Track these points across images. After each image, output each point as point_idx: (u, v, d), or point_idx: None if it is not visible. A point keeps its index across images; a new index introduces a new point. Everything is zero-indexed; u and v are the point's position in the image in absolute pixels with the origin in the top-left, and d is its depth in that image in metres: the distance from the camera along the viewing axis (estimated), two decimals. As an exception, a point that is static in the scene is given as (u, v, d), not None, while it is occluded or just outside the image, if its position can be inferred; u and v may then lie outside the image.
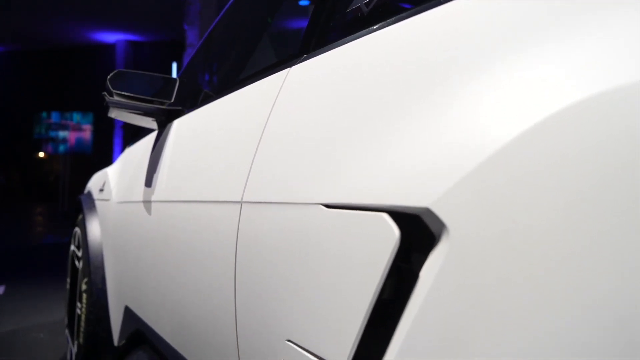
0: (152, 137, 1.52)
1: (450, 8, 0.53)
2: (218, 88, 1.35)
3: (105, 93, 1.27)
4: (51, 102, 14.71)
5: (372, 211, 0.50)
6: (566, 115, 0.37)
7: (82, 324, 1.82)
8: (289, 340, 0.62)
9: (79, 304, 1.91)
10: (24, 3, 11.13)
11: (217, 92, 1.16)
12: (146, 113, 1.33)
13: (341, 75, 0.66)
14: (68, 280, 2.26)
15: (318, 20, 0.81)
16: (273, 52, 1.24)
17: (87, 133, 14.60)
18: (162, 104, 1.32)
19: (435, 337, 0.42)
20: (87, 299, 1.80)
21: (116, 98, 1.27)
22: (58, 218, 10.75)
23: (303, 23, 0.87)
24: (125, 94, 1.28)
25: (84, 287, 1.84)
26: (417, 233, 0.48)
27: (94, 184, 2.18)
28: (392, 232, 0.47)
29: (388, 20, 0.62)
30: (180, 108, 1.32)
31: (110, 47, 13.75)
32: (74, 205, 2.23)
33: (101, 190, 1.97)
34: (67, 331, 2.23)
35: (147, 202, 1.30)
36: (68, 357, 2.13)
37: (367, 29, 0.65)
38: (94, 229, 1.89)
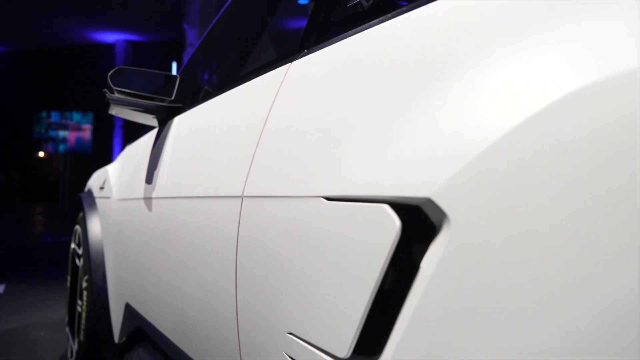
0: (152, 134, 1.52)
1: (449, 2, 0.54)
2: (218, 85, 1.35)
3: (106, 90, 1.27)
4: (51, 102, 14.70)
5: (373, 202, 0.50)
6: (564, 105, 0.37)
7: (83, 321, 1.82)
8: (290, 333, 0.62)
9: (79, 302, 1.91)
10: (24, 3, 11.13)
11: (218, 88, 1.16)
12: (147, 110, 1.34)
13: (342, 70, 0.66)
14: (68, 278, 2.26)
15: (318, 16, 0.81)
16: (273, 48, 1.24)
17: (87, 133, 14.60)
18: (162, 101, 1.32)
19: (436, 327, 0.42)
20: (88, 296, 1.80)
21: (117, 95, 1.27)
22: (58, 218, 10.74)
23: (303, 19, 0.88)
24: (126, 91, 1.28)
25: (84, 284, 1.84)
26: (418, 224, 0.48)
27: (94, 181, 2.18)
28: (393, 223, 0.47)
29: (388, 15, 0.62)
30: (180, 105, 1.32)
31: (110, 47, 13.74)
32: (74, 205, 2.23)
33: (101, 188, 1.97)
34: (67, 329, 2.23)
35: (147, 199, 1.30)
36: (69, 354, 2.13)
37: (367, 24, 0.65)
38: (95, 226, 1.89)
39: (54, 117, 14.90)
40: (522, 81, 0.41)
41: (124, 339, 1.62)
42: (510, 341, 0.37)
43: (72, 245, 2.17)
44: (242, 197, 0.79)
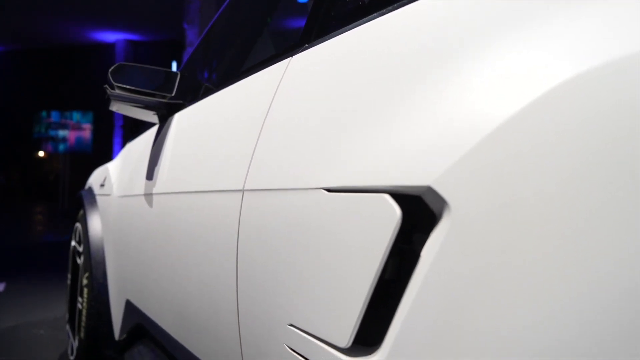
0: (153, 131, 1.52)
1: None
2: (219, 81, 1.35)
3: (106, 86, 1.28)
4: (51, 102, 14.71)
5: (373, 193, 0.51)
6: (560, 94, 0.37)
7: (84, 318, 1.82)
8: (291, 325, 0.63)
9: (80, 299, 1.92)
10: (24, 3, 11.13)
11: (218, 85, 1.16)
12: (147, 106, 1.34)
13: (342, 63, 0.67)
14: (69, 276, 2.26)
15: (319, 10, 0.81)
16: (274, 44, 1.24)
17: (86, 132, 14.60)
18: (163, 97, 1.32)
19: (436, 316, 0.43)
20: (89, 293, 1.80)
21: (117, 91, 1.28)
22: (58, 218, 10.75)
23: (304, 15, 0.88)
24: (127, 87, 1.28)
25: (85, 281, 1.84)
26: (419, 214, 0.49)
27: (94, 179, 2.19)
28: (393, 212, 0.48)
29: (387, 8, 0.63)
30: (181, 102, 1.33)
31: (110, 47, 13.75)
32: (74, 204, 2.24)
33: (102, 185, 1.97)
34: (68, 326, 2.23)
35: (148, 195, 1.31)
36: (69, 351, 2.13)
37: (367, 17, 0.65)
38: (95, 224, 1.89)
39: (54, 116, 14.91)
40: (519, 71, 0.42)
41: (125, 335, 1.62)
42: (511, 330, 0.38)
43: (73, 243, 2.17)
44: (242, 190, 0.79)
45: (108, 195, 1.83)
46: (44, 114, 14.92)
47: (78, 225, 2.07)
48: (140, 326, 1.47)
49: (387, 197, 0.49)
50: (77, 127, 14.68)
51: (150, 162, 1.36)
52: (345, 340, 0.52)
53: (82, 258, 1.94)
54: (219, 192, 0.88)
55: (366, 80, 0.60)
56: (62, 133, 14.78)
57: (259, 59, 0.98)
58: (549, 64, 0.40)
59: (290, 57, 0.81)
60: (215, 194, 0.90)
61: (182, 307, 1.05)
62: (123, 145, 1.84)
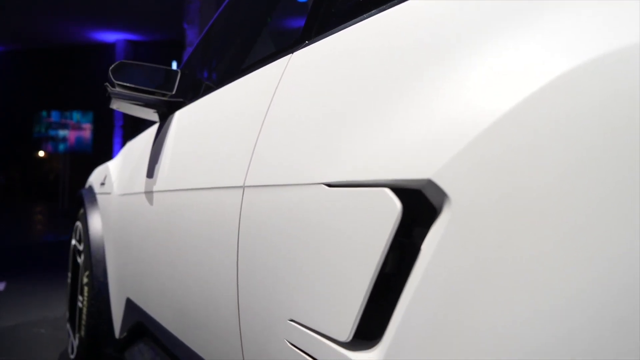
0: (153, 129, 1.53)
1: None
2: (219, 79, 1.36)
3: (107, 84, 1.28)
4: (51, 101, 14.70)
5: (373, 187, 0.51)
6: (559, 86, 0.38)
7: (84, 316, 1.83)
8: (292, 320, 0.63)
9: (80, 297, 1.92)
10: (24, 3, 11.13)
11: (219, 82, 1.16)
12: (147, 104, 1.34)
13: (341, 59, 0.67)
14: (69, 274, 2.26)
15: (320, 7, 0.82)
16: (274, 42, 1.24)
17: (87, 132, 14.59)
18: (164, 95, 1.33)
19: (436, 309, 0.43)
20: (89, 292, 1.80)
21: (118, 89, 1.28)
22: (58, 217, 10.74)
23: (304, 12, 0.88)
24: (127, 85, 1.28)
25: (85, 280, 1.84)
26: (419, 209, 0.49)
27: (95, 178, 2.19)
28: (393, 206, 0.48)
29: (386, 5, 0.63)
30: (181, 100, 1.33)
31: (110, 47, 13.74)
32: (75, 203, 2.24)
33: (102, 184, 1.97)
34: (68, 325, 2.24)
35: (149, 193, 1.31)
36: (69, 350, 2.13)
37: (367, 14, 0.66)
38: (96, 222, 1.89)
39: (54, 116, 14.90)
40: (516, 66, 0.42)
41: (125, 334, 1.62)
42: (510, 324, 0.38)
43: (73, 242, 2.18)
44: (243, 187, 0.79)
45: (108, 193, 1.83)
46: (44, 113, 14.91)
47: (78, 224, 2.08)
48: (141, 324, 1.47)
49: (388, 191, 0.49)
50: (77, 127, 14.68)
51: (151, 160, 1.36)
52: (346, 335, 0.52)
53: (82, 257, 1.94)
54: (219, 188, 0.89)
55: (366, 76, 0.60)
56: (62, 133, 14.78)
57: (259, 57, 0.98)
58: (546, 59, 0.40)
59: (290, 54, 0.81)
60: (216, 190, 0.90)
61: (183, 304, 1.05)
62: (123, 145, 1.84)
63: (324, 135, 0.63)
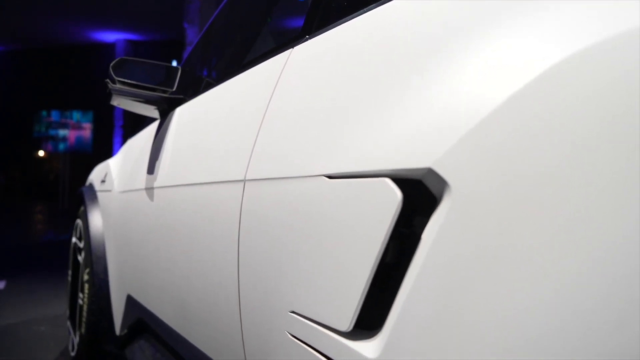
0: (153, 126, 1.53)
1: None
2: (220, 75, 1.36)
3: (108, 80, 1.28)
4: (51, 101, 14.70)
5: (374, 177, 0.51)
6: (558, 72, 0.38)
7: (84, 314, 1.83)
8: (293, 312, 0.63)
9: (80, 295, 1.92)
10: (24, 3, 11.13)
11: (219, 79, 1.17)
12: (148, 101, 1.34)
13: (342, 52, 0.67)
14: (69, 272, 2.26)
15: (320, 2, 0.82)
16: (275, 38, 1.25)
17: (87, 132, 14.60)
18: (164, 92, 1.33)
19: (436, 298, 0.43)
20: (89, 289, 1.81)
21: (119, 86, 1.28)
22: (58, 217, 10.74)
23: (304, 8, 0.88)
24: (128, 81, 1.29)
25: (86, 277, 1.85)
26: (419, 199, 0.49)
27: (95, 175, 2.19)
28: (394, 195, 0.48)
29: None
30: (182, 97, 1.33)
31: (110, 47, 13.75)
32: (75, 202, 2.24)
33: (103, 181, 1.97)
34: (68, 322, 2.24)
35: (149, 189, 1.31)
36: (70, 347, 2.13)
37: (366, 8, 0.66)
38: (96, 219, 1.90)
39: (54, 116, 14.90)
40: (514, 56, 0.42)
41: (126, 331, 1.63)
42: (511, 312, 0.38)
43: (74, 240, 2.18)
44: (244, 181, 0.79)
45: (109, 191, 1.83)
46: (44, 113, 14.92)
47: (79, 221, 2.08)
48: (141, 321, 1.48)
49: (388, 180, 0.49)
50: (77, 127, 14.68)
51: (152, 156, 1.36)
52: (347, 324, 0.53)
53: (82, 254, 1.94)
54: (220, 183, 0.89)
55: (365, 68, 0.61)
56: (62, 132, 14.78)
57: (260, 53, 0.99)
58: (543, 49, 0.40)
59: (291, 49, 0.81)
60: (217, 185, 0.90)
61: (184, 299, 1.05)
62: (123, 144, 1.84)
63: (324, 127, 0.63)
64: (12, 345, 2.44)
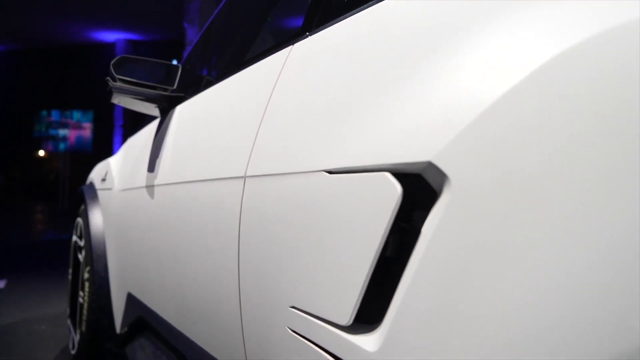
0: (154, 124, 1.53)
1: None
2: (220, 73, 1.36)
3: (108, 78, 1.28)
4: (51, 101, 14.71)
5: (374, 172, 0.51)
6: (555, 65, 0.38)
7: (85, 312, 1.83)
8: (293, 307, 0.63)
9: (81, 293, 1.92)
10: (24, 3, 11.13)
11: (219, 77, 1.17)
12: (148, 99, 1.35)
13: (341, 49, 0.68)
14: (70, 271, 2.27)
15: (320, 0, 0.82)
16: (276, 36, 1.25)
17: (87, 131, 14.60)
18: (164, 90, 1.33)
19: (436, 292, 0.43)
20: (90, 287, 1.81)
21: (119, 84, 1.28)
22: (58, 217, 10.75)
23: (304, 5, 0.88)
24: (129, 79, 1.29)
25: (86, 275, 1.85)
26: (419, 194, 0.49)
27: (96, 174, 2.19)
28: (394, 189, 0.48)
29: None
30: (182, 95, 1.33)
31: (110, 46, 13.75)
32: (75, 201, 2.24)
33: (103, 180, 1.98)
34: (69, 321, 2.24)
35: (150, 187, 1.31)
36: (70, 345, 2.14)
37: (366, 4, 0.66)
38: (97, 218, 1.90)
39: (54, 115, 14.91)
40: (513, 49, 0.43)
41: (126, 329, 1.63)
42: (510, 304, 0.38)
43: (74, 238, 2.18)
44: (244, 177, 0.80)
45: (109, 189, 1.84)
46: (44, 113, 14.93)
47: (79, 220, 2.08)
48: (142, 319, 1.48)
49: (388, 175, 0.49)
50: (78, 126, 14.69)
51: (152, 154, 1.36)
52: (347, 318, 0.53)
53: (83, 252, 1.94)
54: (221, 179, 0.89)
55: (365, 64, 0.61)
56: (62, 132, 14.79)
57: (260, 51, 0.99)
58: (540, 42, 0.40)
59: (291, 46, 0.81)
60: (217, 182, 0.90)
61: (184, 296, 1.05)
62: (123, 144, 1.84)
63: (324, 123, 0.63)
64: (12, 343, 2.45)
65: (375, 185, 0.51)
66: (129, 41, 13.59)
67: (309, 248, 0.61)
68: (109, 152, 12.33)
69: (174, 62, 1.43)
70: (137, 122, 1.59)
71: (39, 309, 3.09)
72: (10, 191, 14.81)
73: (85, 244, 1.91)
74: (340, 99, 0.62)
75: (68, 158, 14.05)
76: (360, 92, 0.59)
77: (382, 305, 0.50)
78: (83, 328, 1.86)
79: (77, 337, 1.98)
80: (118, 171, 1.82)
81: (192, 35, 7.88)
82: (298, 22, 0.87)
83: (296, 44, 0.80)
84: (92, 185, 2.15)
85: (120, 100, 1.39)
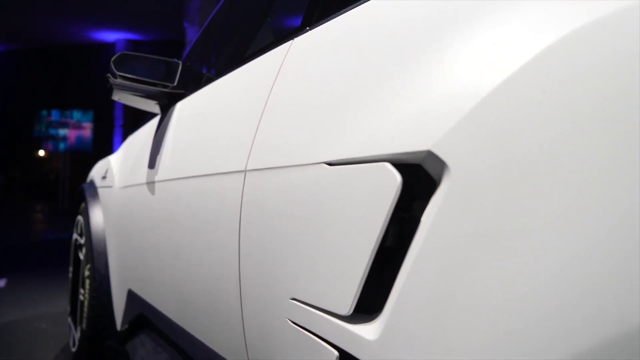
0: (154, 121, 1.53)
1: None
2: (220, 70, 1.36)
3: (109, 75, 1.29)
4: (51, 100, 14.71)
5: (374, 163, 0.52)
6: (550, 54, 0.39)
7: (85, 309, 1.83)
8: (293, 299, 0.64)
9: (81, 290, 1.93)
10: (24, 3, 11.13)
11: (219, 73, 1.17)
12: (149, 96, 1.35)
13: (341, 41, 0.68)
14: (70, 269, 2.27)
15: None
16: (276, 32, 1.25)
17: (87, 131, 14.60)
18: (165, 87, 1.33)
19: (435, 281, 0.43)
20: (90, 284, 1.81)
21: (120, 80, 1.29)
22: (58, 217, 10.74)
23: (303, 2, 0.89)
24: (129, 76, 1.29)
25: (87, 273, 1.85)
26: (418, 187, 0.50)
27: (96, 172, 2.20)
28: (394, 178, 0.49)
29: None
30: (182, 92, 1.34)
31: (110, 46, 13.75)
32: (75, 201, 2.25)
33: (104, 177, 1.98)
34: (69, 319, 2.24)
35: (150, 183, 1.32)
36: (71, 343, 2.14)
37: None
38: (97, 216, 1.90)
39: (55, 115, 14.91)
40: (510, 36, 0.43)
41: (127, 326, 1.63)
42: (510, 292, 0.38)
43: (74, 236, 2.18)
44: (245, 171, 0.80)
45: (110, 187, 1.84)
46: (44, 113, 14.93)
47: (80, 218, 2.08)
48: (142, 315, 1.48)
49: (388, 165, 0.50)
50: (78, 126, 14.68)
51: (152, 151, 1.37)
52: (347, 308, 0.53)
53: (83, 250, 1.95)
54: (221, 174, 0.89)
55: (364, 57, 0.61)
56: (62, 132, 14.79)
57: (260, 46, 0.99)
58: (537, 29, 0.41)
59: (291, 41, 0.82)
60: (218, 176, 0.91)
61: (184, 291, 1.06)
62: (124, 142, 1.85)
63: (324, 115, 0.63)
64: (12, 342, 2.45)
65: (375, 175, 0.51)
66: (129, 41, 13.58)
67: (309, 240, 0.61)
68: (109, 151, 12.28)
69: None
70: (137, 121, 1.60)
71: (39, 307, 3.09)
72: (10, 191, 14.80)
73: (85, 241, 1.91)
74: (339, 92, 0.63)
75: (68, 158, 14.05)
76: (359, 85, 0.59)
77: (382, 295, 0.51)
78: (84, 325, 1.86)
79: (77, 335, 1.98)
80: (118, 168, 1.82)
81: (192, 35, 7.88)
82: (298, 18, 0.87)
83: (296, 39, 0.80)
84: (92, 183, 2.15)
85: (121, 97, 1.39)
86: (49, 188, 14.49)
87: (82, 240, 2.01)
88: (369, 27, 0.63)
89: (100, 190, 2.00)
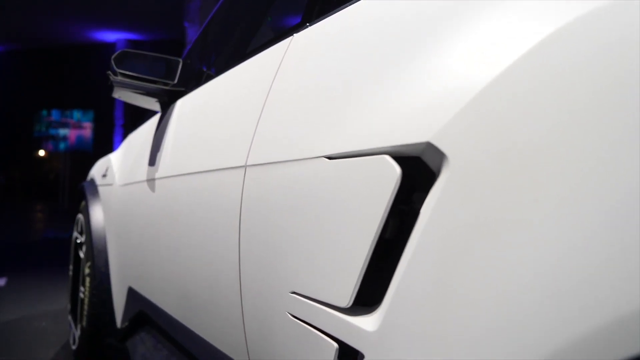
0: (155, 119, 1.54)
1: None
2: (220, 68, 1.37)
3: (109, 72, 1.29)
4: (51, 100, 14.72)
5: (373, 155, 0.52)
6: (548, 43, 0.39)
7: (86, 307, 1.84)
8: (293, 292, 0.64)
9: (82, 288, 1.93)
10: (24, 3, 11.13)
11: (219, 71, 1.17)
12: (149, 93, 1.35)
13: (340, 37, 0.68)
14: (71, 267, 2.27)
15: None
16: (274, 31, 1.26)
17: (87, 131, 14.61)
18: (165, 84, 1.34)
19: (434, 270, 0.43)
20: (91, 282, 1.81)
21: (120, 78, 1.29)
22: (58, 216, 10.74)
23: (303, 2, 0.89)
24: (130, 74, 1.30)
25: (87, 271, 1.86)
26: (417, 179, 0.50)
27: (97, 170, 2.20)
28: (393, 171, 0.49)
29: None
30: (183, 89, 1.34)
31: (110, 46, 13.76)
32: (76, 198, 2.25)
33: (104, 175, 1.98)
34: (70, 317, 2.25)
35: (150, 180, 1.32)
36: (71, 341, 2.14)
37: None
38: (97, 213, 1.90)
39: (55, 115, 14.92)
40: (508, 27, 0.43)
41: (127, 323, 1.63)
42: (509, 283, 0.38)
43: (75, 234, 2.19)
44: (245, 166, 0.80)
45: (110, 184, 1.84)
46: (44, 112, 14.94)
47: (80, 216, 2.09)
48: (142, 312, 1.48)
49: (387, 157, 0.50)
50: (78, 126, 14.70)
51: (153, 148, 1.37)
52: (346, 301, 0.53)
53: (84, 248, 1.95)
54: (221, 170, 0.90)
55: (363, 52, 0.62)
56: (62, 132, 14.80)
57: (260, 44, 0.99)
58: (535, 20, 0.41)
59: (292, 36, 0.82)
60: (218, 172, 0.91)
61: (185, 287, 1.06)
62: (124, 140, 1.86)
63: (323, 110, 0.64)
64: (13, 340, 2.45)
65: (375, 168, 0.51)
66: (129, 41, 13.60)
67: (309, 234, 0.62)
68: (109, 151, 12.27)
69: (174, 57, 1.44)
70: (137, 121, 1.60)
71: (39, 306, 3.09)
72: (10, 191, 14.80)
73: (86, 239, 1.91)
74: (339, 87, 0.63)
75: (68, 158, 14.06)
76: (359, 79, 0.60)
77: (381, 287, 0.51)
78: (84, 323, 1.86)
79: (77, 332, 1.99)
80: (119, 166, 1.82)
81: (193, 34, 7.88)
82: (298, 14, 0.88)
83: (296, 35, 0.81)
84: (92, 181, 2.16)
85: (121, 95, 1.40)
86: (49, 188, 14.50)
87: (82, 238, 2.01)
88: (368, 23, 0.64)
89: (100, 188, 2.00)
